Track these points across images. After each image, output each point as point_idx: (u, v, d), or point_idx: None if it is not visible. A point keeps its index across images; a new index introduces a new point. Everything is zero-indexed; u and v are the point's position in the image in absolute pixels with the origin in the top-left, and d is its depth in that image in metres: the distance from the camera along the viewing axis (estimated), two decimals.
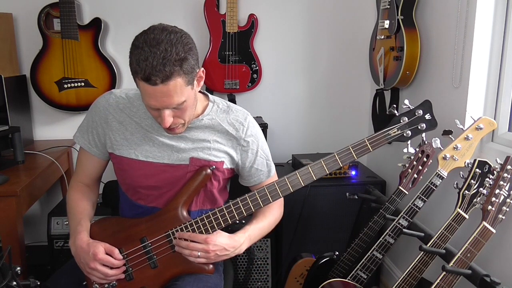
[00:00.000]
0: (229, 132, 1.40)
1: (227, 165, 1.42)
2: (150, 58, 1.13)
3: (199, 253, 1.28)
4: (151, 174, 1.38)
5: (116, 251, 1.30)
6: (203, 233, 1.32)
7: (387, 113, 1.43)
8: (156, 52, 1.13)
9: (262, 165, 1.47)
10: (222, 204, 1.48)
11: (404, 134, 1.36)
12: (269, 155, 1.49)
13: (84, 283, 1.35)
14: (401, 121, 1.37)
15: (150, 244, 1.32)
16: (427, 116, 1.37)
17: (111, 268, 1.29)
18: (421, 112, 1.37)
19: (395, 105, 1.41)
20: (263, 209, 1.42)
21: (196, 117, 1.38)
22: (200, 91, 1.39)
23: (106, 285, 1.32)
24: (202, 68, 1.28)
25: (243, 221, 1.38)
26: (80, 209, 1.41)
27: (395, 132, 1.35)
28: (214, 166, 1.38)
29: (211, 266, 1.34)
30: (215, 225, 1.31)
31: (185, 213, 1.34)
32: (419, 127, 1.37)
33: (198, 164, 1.37)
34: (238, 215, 1.31)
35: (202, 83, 1.30)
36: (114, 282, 1.32)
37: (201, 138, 1.38)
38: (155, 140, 1.37)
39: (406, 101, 1.44)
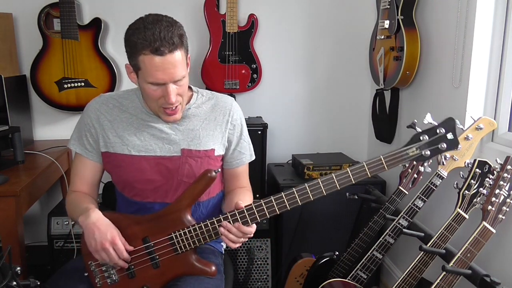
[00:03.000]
0: (216, 118, 1.46)
1: (218, 151, 1.46)
2: (156, 31, 1.22)
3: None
4: (144, 168, 1.41)
5: (130, 248, 1.30)
6: (206, 239, 1.30)
7: (406, 127, 1.36)
8: (160, 27, 1.23)
9: (245, 149, 1.52)
10: (216, 193, 1.53)
11: (423, 154, 1.25)
12: (249, 139, 1.55)
13: (86, 274, 1.35)
14: (421, 139, 1.25)
15: (152, 245, 1.32)
16: (449, 136, 1.25)
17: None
18: (443, 131, 1.25)
19: (416, 121, 1.31)
20: (243, 198, 1.44)
21: None
22: None
23: (109, 280, 1.33)
24: (189, 54, 1.38)
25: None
26: (84, 200, 1.41)
27: (413, 151, 1.24)
28: (219, 169, 1.39)
29: (213, 268, 1.33)
30: (218, 232, 1.30)
31: (188, 217, 1.33)
32: (439, 147, 1.25)
33: (189, 155, 1.41)
34: (244, 224, 1.28)
35: (188, 69, 1.38)
36: (116, 278, 1.32)
37: (190, 128, 1.43)
38: (145, 135, 1.41)
39: (429, 116, 1.32)
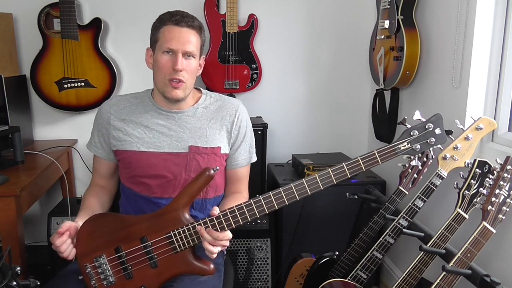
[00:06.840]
0: (223, 118, 1.53)
1: (224, 150, 1.53)
2: (180, 12, 1.44)
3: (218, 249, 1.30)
4: (153, 163, 1.48)
5: (72, 226, 1.34)
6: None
7: (397, 124, 1.41)
8: (184, 12, 1.45)
9: (245, 151, 1.58)
10: (223, 191, 1.58)
11: (413, 148, 1.34)
12: (253, 144, 1.62)
13: (80, 277, 1.35)
14: (411, 134, 1.34)
15: (150, 244, 1.31)
16: (437, 131, 1.35)
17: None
18: (431, 126, 1.34)
19: (406, 117, 1.38)
20: (231, 202, 1.45)
21: (191, 105, 1.52)
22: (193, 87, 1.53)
23: (105, 282, 1.32)
24: (204, 56, 1.52)
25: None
26: (85, 204, 1.50)
27: (405, 146, 1.34)
28: (218, 168, 1.38)
29: (211, 266, 1.32)
30: (218, 228, 1.30)
31: (186, 215, 1.32)
32: (428, 141, 1.34)
33: (197, 151, 1.48)
34: (242, 220, 1.29)
35: (200, 71, 1.52)
36: (113, 279, 1.32)
37: (197, 126, 1.51)
38: (154, 132, 1.50)
39: (418, 113, 1.39)
